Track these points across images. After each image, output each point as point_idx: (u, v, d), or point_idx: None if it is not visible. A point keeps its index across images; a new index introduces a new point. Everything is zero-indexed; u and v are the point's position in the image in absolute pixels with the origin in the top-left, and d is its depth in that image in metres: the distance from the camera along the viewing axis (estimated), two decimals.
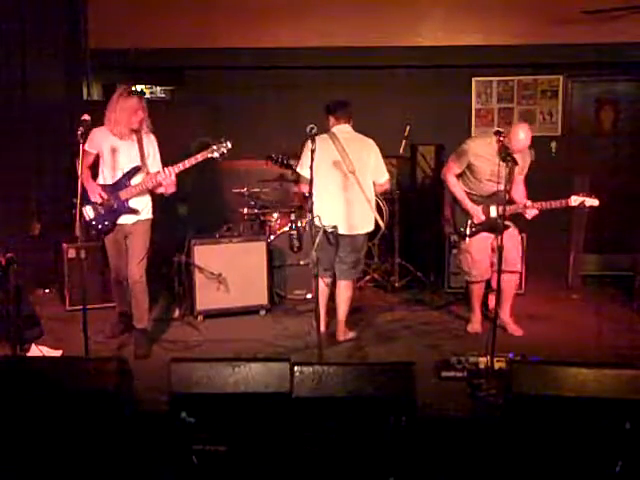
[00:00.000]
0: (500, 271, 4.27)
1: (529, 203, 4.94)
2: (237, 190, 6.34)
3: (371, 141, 5.02)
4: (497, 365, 4.12)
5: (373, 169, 4.96)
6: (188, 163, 4.72)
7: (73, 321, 5.16)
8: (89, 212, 4.73)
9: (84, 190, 4.59)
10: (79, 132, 4.11)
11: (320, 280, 4.84)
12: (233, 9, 6.89)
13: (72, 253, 5.75)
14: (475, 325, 5.26)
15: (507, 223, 4.84)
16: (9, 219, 5.88)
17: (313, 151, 4.22)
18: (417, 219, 7.00)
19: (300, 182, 5.09)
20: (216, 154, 4.75)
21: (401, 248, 6.62)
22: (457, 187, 5.11)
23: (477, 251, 5.07)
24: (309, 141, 4.58)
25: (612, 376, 3.10)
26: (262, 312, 5.79)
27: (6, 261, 4.49)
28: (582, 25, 6.64)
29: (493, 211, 4.98)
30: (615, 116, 7.43)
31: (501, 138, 4.54)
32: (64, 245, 5.78)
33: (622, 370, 3.16)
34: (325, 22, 6.85)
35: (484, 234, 5.05)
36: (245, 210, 6.28)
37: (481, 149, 4.94)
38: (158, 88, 7.43)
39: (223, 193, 6.56)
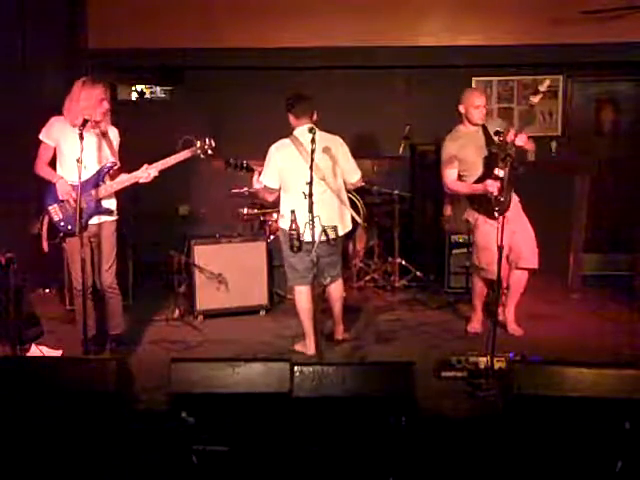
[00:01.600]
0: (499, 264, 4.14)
1: (512, 134, 4.61)
2: (237, 190, 6.34)
3: (338, 139, 4.81)
4: (497, 365, 4.12)
5: (343, 169, 4.76)
6: (169, 162, 4.51)
7: (73, 321, 5.15)
8: (58, 212, 4.43)
9: (51, 188, 4.39)
10: (79, 132, 4.11)
11: (301, 290, 4.73)
12: (233, 9, 6.88)
13: None
14: (475, 324, 5.25)
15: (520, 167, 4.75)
16: (9, 219, 5.87)
17: (313, 151, 4.13)
18: (417, 219, 7.00)
19: (265, 191, 4.83)
20: (199, 152, 4.58)
21: (401, 248, 6.62)
22: (462, 185, 5.04)
23: (493, 245, 4.59)
24: (272, 149, 4.72)
25: (612, 376, 3.10)
26: (262, 312, 5.79)
27: (6, 261, 4.48)
28: (582, 25, 6.63)
29: (498, 172, 4.66)
30: (615, 116, 7.42)
31: (501, 138, 4.52)
32: (64, 245, 5.76)
33: (622, 370, 3.16)
34: (325, 22, 6.84)
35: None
36: (245, 210, 6.28)
37: (455, 139, 5.03)
38: (158, 88, 7.43)
39: (223, 193, 6.55)
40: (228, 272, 5.63)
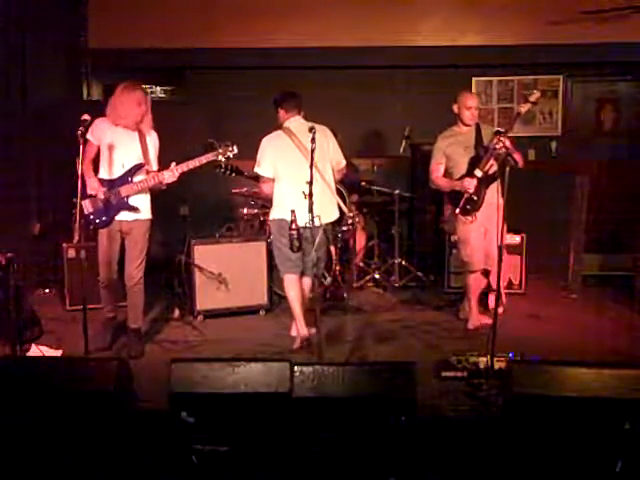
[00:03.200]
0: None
1: (495, 140, 4.72)
2: (237, 190, 6.34)
3: (325, 128, 4.97)
4: (497, 365, 4.11)
5: (332, 156, 4.95)
6: (194, 164, 4.67)
7: (73, 321, 5.16)
8: (87, 206, 4.62)
9: (83, 183, 4.53)
10: (79, 132, 4.12)
11: (292, 278, 4.94)
12: (233, 9, 6.89)
13: (72, 253, 5.75)
14: (474, 321, 5.25)
15: (495, 172, 4.99)
16: (9, 219, 5.88)
17: (313, 150, 4.23)
18: (417, 219, 7.00)
19: (261, 182, 4.97)
20: (221, 157, 4.74)
21: (401, 248, 6.62)
22: (444, 181, 5.24)
23: (475, 238, 5.13)
24: (265, 140, 4.88)
25: (612, 376, 3.10)
26: (262, 312, 5.79)
27: (6, 261, 4.49)
28: (582, 25, 6.64)
29: (477, 172, 5.01)
30: (615, 116, 7.43)
31: (501, 138, 4.53)
32: (64, 245, 5.78)
33: (622, 370, 3.17)
34: (325, 22, 6.85)
35: (478, 223, 5.08)
36: (245, 210, 6.28)
37: (446, 137, 5.25)
38: (158, 88, 7.43)
39: (223, 193, 6.56)
40: (228, 272, 5.63)
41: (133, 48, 6.82)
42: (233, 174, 5.81)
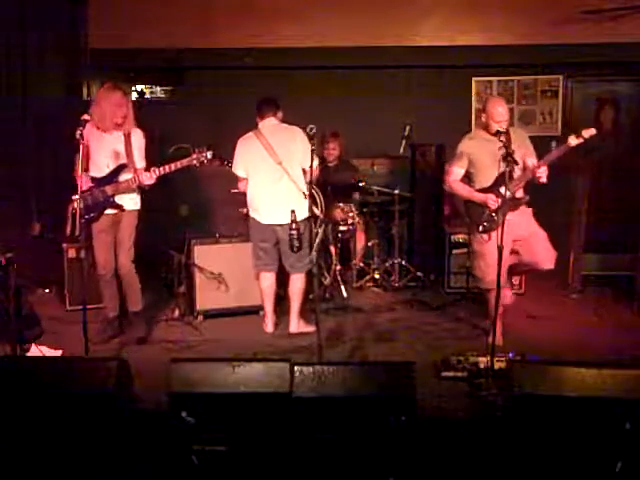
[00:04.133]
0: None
1: (535, 164, 4.66)
2: (237, 190, 6.33)
3: (296, 129, 5.03)
4: (497, 365, 4.11)
5: (301, 157, 4.97)
6: (170, 168, 4.81)
7: (73, 321, 5.15)
8: (79, 203, 4.68)
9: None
10: (79, 132, 4.13)
11: (262, 275, 5.27)
12: (233, 9, 6.88)
13: (72, 253, 5.76)
14: (497, 337, 4.49)
15: (524, 196, 4.77)
16: (9, 219, 5.88)
17: (313, 151, 4.28)
18: (417, 219, 7.00)
19: (239, 181, 5.29)
20: (195, 162, 4.83)
21: (401, 248, 6.61)
22: (463, 188, 4.87)
23: (492, 254, 4.44)
24: (239, 142, 5.16)
25: (612, 376, 3.11)
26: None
27: (6, 261, 4.49)
28: (582, 25, 6.64)
29: (504, 191, 4.51)
30: (615, 116, 7.42)
31: (502, 138, 4.45)
32: (64, 245, 5.78)
33: (622, 370, 3.17)
34: (325, 22, 6.84)
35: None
36: (245, 210, 6.27)
37: (474, 139, 4.85)
38: (158, 88, 7.43)
39: (223, 193, 6.55)
40: (228, 272, 5.62)
41: (133, 48, 6.81)
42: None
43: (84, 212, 4.74)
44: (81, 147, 4.62)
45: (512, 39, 6.87)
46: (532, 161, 4.78)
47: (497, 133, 4.43)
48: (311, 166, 4.38)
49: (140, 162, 4.91)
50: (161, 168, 4.81)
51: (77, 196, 4.39)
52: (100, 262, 4.96)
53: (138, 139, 4.92)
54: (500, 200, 4.63)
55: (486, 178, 4.77)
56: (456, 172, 4.89)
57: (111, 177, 4.84)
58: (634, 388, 3.06)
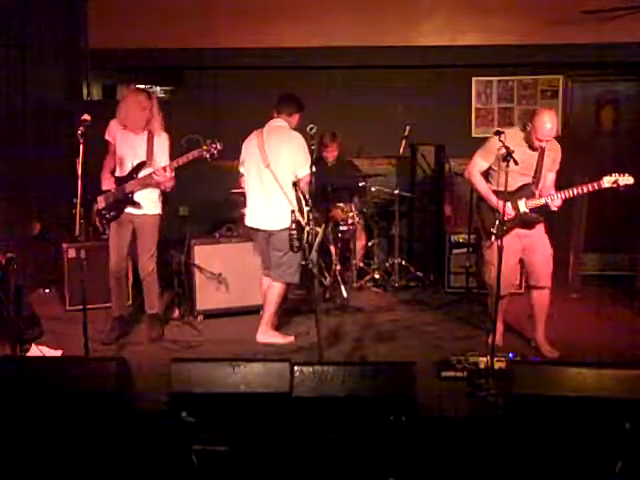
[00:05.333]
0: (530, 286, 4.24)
1: (553, 192, 4.60)
2: (237, 190, 6.33)
3: (296, 135, 4.88)
4: (497, 365, 4.12)
5: (292, 164, 4.81)
6: (181, 161, 4.80)
7: (73, 321, 5.16)
8: (101, 201, 4.91)
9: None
10: (79, 132, 4.13)
11: (265, 282, 5.13)
12: (233, 9, 6.88)
13: (72, 253, 5.75)
14: (497, 337, 4.65)
15: (539, 217, 4.67)
16: (9, 219, 5.88)
17: (313, 152, 4.27)
18: (417, 219, 7.00)
19: (240, 178, 5.28)
20: (206, 154, 4.75)
21: (401, 248, 6.61)
22: (482, 184, 4.71)
23: (502, 262, 4.28)
24: (247, 138, 5.05)
25: (612, 376, 3.11)
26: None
27: (6, 261, 4.49)
28: (582, 25, 6.64)
29: (522, 205, 4.61)
30: (615, 116, 7.42)
31: (502, 138, 4.43)
32: (64, 245, 5.78)
33: (622, 370, 3.17)
34: (325, 22, 6.84)
35: (512, 243, 4.60)
36: (245, 210, 6.27)
37: (513, 140, 4.46)
38: (158, 88, 7.43)
39: (223, 193, 6.55)
40: (228, 272, 5.63)
41: (133, 48, 6.81)
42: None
43: (105, 211, 4.92)
44: (108, 146, 4.97)
45: (512, 39, 6.87)
46: (551, 176, 4.73)
47: (497, 133, 4.38)
48: (311, 166, 4.36)
49: (163, 163, 4.87)
50: (174, 162, 4.81)
51: (78, 199, 4.33)
52: (113, 259, 4.99)
53: (162, 142, 4.96)
54: (514, 213, 4.61)
55: (508, 183, 4.36)
56: (480, 164, 4.72)
57: (130, 175, 4.90)
58: (634, 388, 3.06)
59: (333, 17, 6.85)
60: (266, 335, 5.07)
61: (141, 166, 4.90)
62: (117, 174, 4.94)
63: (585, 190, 4.53)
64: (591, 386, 3.08)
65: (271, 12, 6.85)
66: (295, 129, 4.98)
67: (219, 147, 4.74)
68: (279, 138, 4.91)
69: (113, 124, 4.96)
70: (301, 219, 4.61)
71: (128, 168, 4.92)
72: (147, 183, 4.89)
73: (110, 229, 4.97)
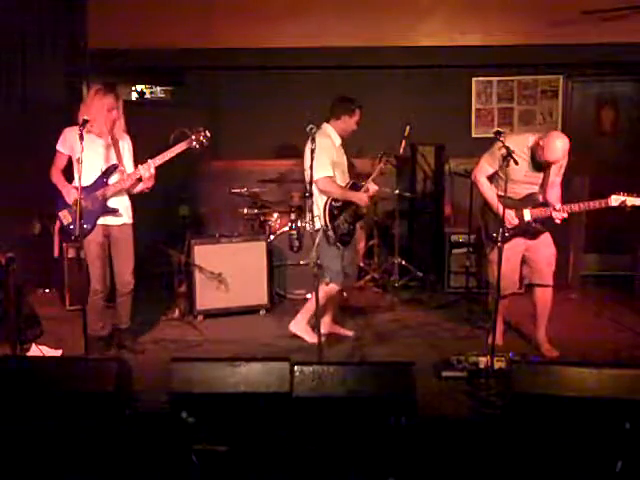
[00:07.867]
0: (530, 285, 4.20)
1: (558, 206, 4.55)
2: (237, 190, 6.34)
3: (318, 139, 4.60)
4: (497, 365, 4.12)
5: (310, 167, 4.65)
6: (169, 154, 4.57)
7: (73, 321, 5.16)
8: (66, 216, 4.58)
9: (59, 194, 4.56)
10: (79, 132, 4.12)
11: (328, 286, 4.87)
12: (233, 9, 6.87)
13: (72, 253, 5.75)
14: (497, 336, 4.65)
15: (542, 229, 4.65)
16: (9, 219, 5.87)
17: (313, 151, 4.27)
18: (417, 219, 7.00)
19: None
20: (195, 144, 4.59)
21: (401, 248, 6.61)
22: (488, 189, 4.70)
23: (505, 262, 4.29)
24: (309, 141, 4.62)
25: (612, 376, 3.11)
26: (262, 312, 5.79)
27: (6, 261, 4.48)
28: (582, 25, 6.63)
29: (527, 214, 4.59)
30: (615, 116, 7.42)
31: (501, 138, 4.41)
32: (64, 245, 5.77)
33: (622, 370, 3.17)
34: (325, 22, 6.84)
35: (515, 243, 4.64)
36: (245, 210, 6.28)
37: (517, 147, 4.40)
38: (158, 88, 7.42)
39: (223, 193, 6.55)
40: (228, 272, 5.63)
41: (133, 48, 6.80)
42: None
43: (73, 227, 4.45)
44: (56, 157, 4.61)
45: (512, 39, 6.86)
46: (557, 180, 4.70)
47: (497, 133, 4.36)
48: (311, 166, 4.36)
49: (130, 168, 4.68)
50: (158, 157, 4.56)
51: (79, 200, 4.17)
52: (96, 276, 4.62)
53: (128, 145, 4.73)
54: (518, 221, 4.61)
55: (511, 190, 4.47)
56: (485, 169, 4.71)
57: (101, 180, 4.58)
58: (634, 388, 3.06)
59: (333, 17, 6.84)
60: (298, 326, 4.98)
61: (112, 170, 4.61)
62: (83, 184, 4.30)
63: (591, 207, 4.50)
64: (591, 386, 3.08)
65: (271, 12, 6.84)
66: (348, 131, 5.08)
67: (207, 134, 4.60)
68: (308, 143, 4.68)
69: (69, 132, 4.59)
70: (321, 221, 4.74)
71: (96, 175, 4.56)
72: (123, 187, 4.61)
73: (86, 248, 4.37)
